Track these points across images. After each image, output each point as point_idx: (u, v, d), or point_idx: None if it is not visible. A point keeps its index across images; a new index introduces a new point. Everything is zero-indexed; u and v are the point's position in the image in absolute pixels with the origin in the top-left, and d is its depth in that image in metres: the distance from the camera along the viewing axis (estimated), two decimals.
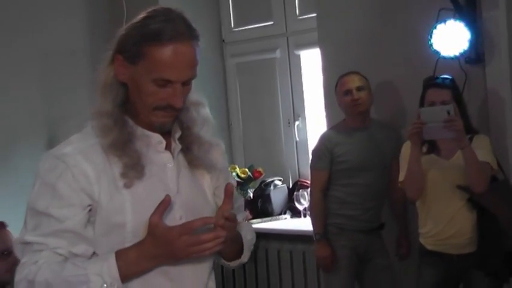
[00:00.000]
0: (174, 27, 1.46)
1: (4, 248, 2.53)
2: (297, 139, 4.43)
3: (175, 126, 1.59)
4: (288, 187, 4.44)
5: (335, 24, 3.74)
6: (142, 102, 1.51)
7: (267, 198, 4.29)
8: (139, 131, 1.55)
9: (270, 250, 4.14)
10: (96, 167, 1.50)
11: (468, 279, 2.97)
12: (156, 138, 1.56)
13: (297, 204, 4.17)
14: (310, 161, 3.48)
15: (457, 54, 3.10)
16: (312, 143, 4.34)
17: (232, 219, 1.49)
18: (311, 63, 4.34)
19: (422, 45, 3.21)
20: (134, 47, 1.48)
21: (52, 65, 4.17)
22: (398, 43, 3.47)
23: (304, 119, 4.42)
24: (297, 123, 4.42)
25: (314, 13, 4.04)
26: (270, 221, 4.23)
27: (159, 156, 1.57)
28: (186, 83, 1.51)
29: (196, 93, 1.61)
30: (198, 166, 1.61)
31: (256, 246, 1.89)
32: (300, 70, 4.40)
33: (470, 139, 2.87)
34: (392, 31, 3.49)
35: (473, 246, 2.89)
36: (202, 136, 1.61)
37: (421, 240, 3.05)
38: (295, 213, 4.26)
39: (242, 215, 1.76)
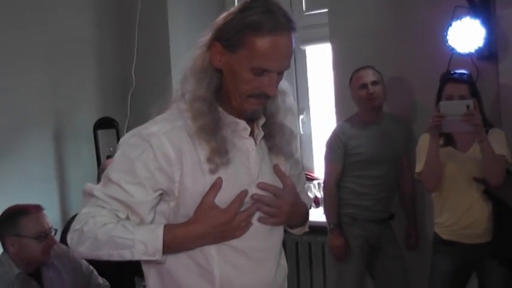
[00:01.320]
0: (274, 19, 1.48)
1: (41, 230, 2.58)
2: (301, 133, 4.43)
3: (260, 112, 1.61)
4: None
5: (347, 19, 3.75)
6: (237, 89, 1.53)
7: None
8: (228, 117, 1.56)
9: None
10: (180, 149, 1.51)
11: (482, 268, 3.02)
12: (242, 124, 1.58)
13: None
14: (324, 153, 3.50)
15: (472, 50, 3.16)
16: (316, 136, 4.41)
17: (279, 195, 1.57)
18: (317, 58, 4.36)
19: (435, 41, 3.27)
20: (235, 35, 1.49)
21: (60, 55, 4.12)
22: (411, 39, 3.50)
23: (308, 113, 4.43)
24: (301, 117, 4.43)
25: (320, 9, 4.07)
26: None
27: (243, 142, 1.59)
28: (281, 73, 1.53)
29: (284, 82, 1.63)
30: (278, 153, 1.64)
31: None
32: (306, 65, 4.40)
33: (486, 133, 2.91)
34: (405, 27, 3.52)
35: (488, 236, 2.95)
36: (286, 125, 1.63)
37: (436, 229, 3.09)
38: None
39: (301, 184, 1.79)
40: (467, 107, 2.80)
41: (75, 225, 1.52)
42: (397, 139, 3.43)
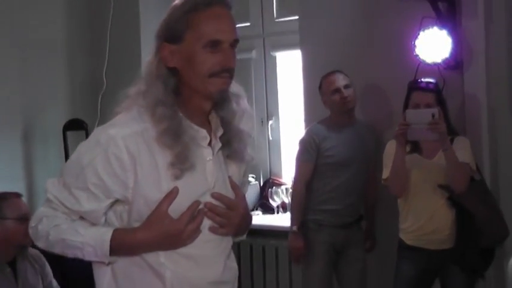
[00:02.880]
0: None
1: (21, 214, 2.65)
2: (270, 138, 4.43)
3: (217, 122, 1.60)
4: (260, 184, 4.44)
5: (317, 26, 3.76)
6: (197, 75, 1.51)
7: None
8: (187, 123, 1.55)
9: (242, 245, 4.11)
10: (135, 154, 1.49)
11: (445, 274, 3.03)
12: (202, 133, 1.57)
13: (270, 201, 4.17)
14: (296, 153, 3.46)
15: (439, 60, 3.18)
16: (285, 142, 4.42)
17: (232, 206, 1.58)
18: (286, 64, 4.38)
19: (403, 50, 3.30)
20: (178, 23, 1.51)
21: (29, 55, 4.05)
22: (380, 47, 3.53)
23: (277, 118, 4.43)
24: (270, 122, 4.42)
25: (291, 16, 4.09)
26: None
27: (201, 150, 1.57)
28: (233, 45, 1.53)
29: (236, 85, 1.62)
30: (234, 159, 1.64)
31: None
32: (276, 71, 4.41)
33: (451, 140, 2.94)
34: (375, 36, 3.56)
35: (451, 242, 2.96)
36: (242, 129, 1.62)
37: (401, 235, 3.10)
38: (267, 210, 4.26)
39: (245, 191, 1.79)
40: (433, 115, 2.83)
41: (31, 222, 1.59)
42: (368, 142, 3.44)
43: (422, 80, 3.05)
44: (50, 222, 1.53)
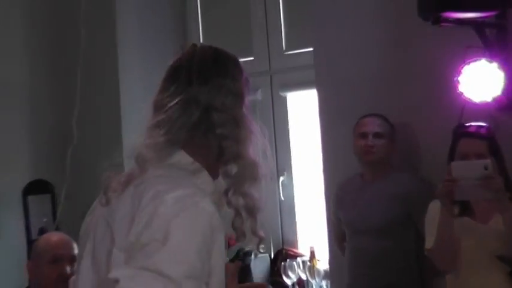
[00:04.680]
0: None
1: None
2: (282, 198, 4.39)
3: None
4: (270, 257, 4.37)
5: (337, 60, 3.78)
6: None
7: (247, 271, 4.20)
8: None
9: None
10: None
11: None
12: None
13: (284, 278, 4.10)
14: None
15: (489, 99, 3.17)
16: (300, 202, 4.37)
17: None
18: (300, 107, 4.39)
19: (443, 87, 3.30)
20: None
21: None
22: (416, 84, 3.53)
23: (290, 173, 4.40)
24: (281, 178, 4.38)
25: (304, 48, 4.11)
26: None
27: None
28: None
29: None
30: None
31: None
32: (286, 115, 4.42)
33: (510, 199, 2.87)
34: (408, 70, 3.56)
35: None
36: None
37: None
38: None
39: None
40: (486, 168, 2.79)
41: None
42: (395, 204, 3.41)
43: (471, 124, 3.03)
44: None
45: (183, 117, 1.63)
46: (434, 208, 2.97)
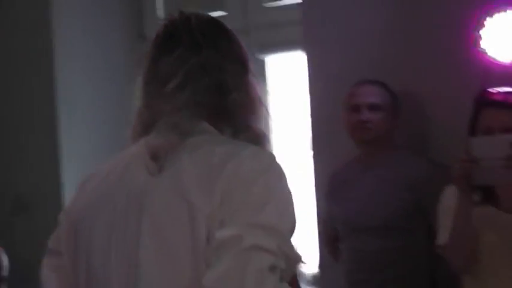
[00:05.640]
0: None
1: None
2: None
3: None
4: None
5: (331, 14, 3.74)
6: None
7: None
8: None
9: None
10: None
11: None
12: None
13: None
14: None
15: None
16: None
17: None
18: (281, 72, 4.40)
19: (459, 46, 3.28)
20: None
21: None
22: (426, 42, 3.50)
23: None
24: None
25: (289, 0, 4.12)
26: None
27: None
28: None
29: None
30: None
31: None
32: (265, 82, 4.32)
33: None
34: (416, 26, 3.53)
35: None
36: None
37: None
38: None
39: None
40: None
41: None
42: (401, 193, 3.37)
43: (497, 90, 2.95)
44: None
45: (202, 81, 1.73)
46: (449, 195, 2.92)
